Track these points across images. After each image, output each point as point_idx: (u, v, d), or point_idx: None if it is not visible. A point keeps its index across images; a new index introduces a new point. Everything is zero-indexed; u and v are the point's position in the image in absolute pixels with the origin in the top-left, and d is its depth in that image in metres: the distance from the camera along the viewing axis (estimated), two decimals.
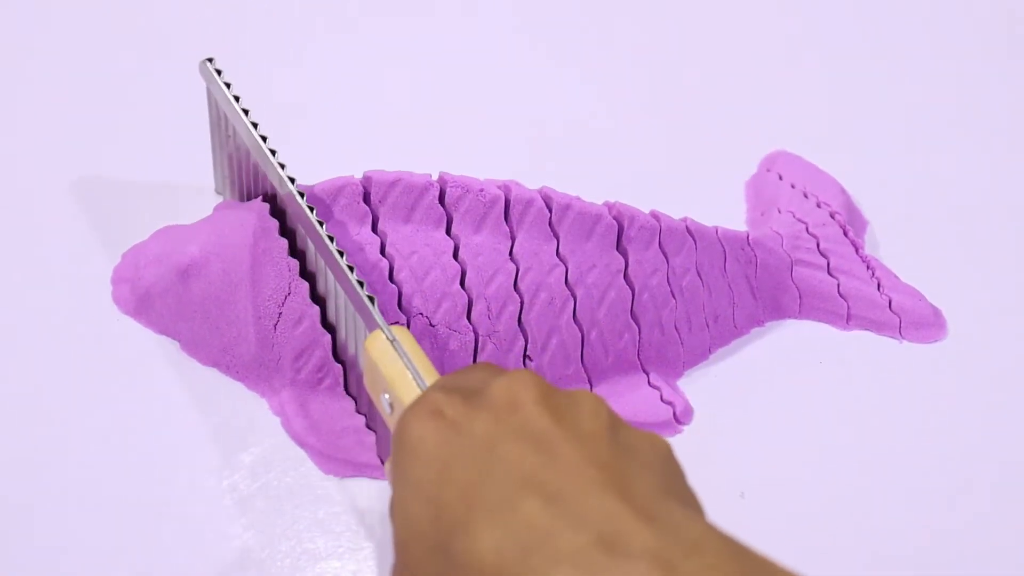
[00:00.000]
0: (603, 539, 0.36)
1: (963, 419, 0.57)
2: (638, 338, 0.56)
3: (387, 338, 0.48)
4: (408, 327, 0.53)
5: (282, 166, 0.54)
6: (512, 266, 0.54)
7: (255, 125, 0.55)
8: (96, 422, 0.53)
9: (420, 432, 0.41)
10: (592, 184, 0.59)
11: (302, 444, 0.53)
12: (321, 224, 0.52)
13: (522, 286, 0.54)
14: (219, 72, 0.56)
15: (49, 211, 0.61)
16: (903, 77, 0.73)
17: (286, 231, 0.55)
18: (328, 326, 0.54)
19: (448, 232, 0.55)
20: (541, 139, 0.68)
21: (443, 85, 0.70)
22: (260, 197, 0.57)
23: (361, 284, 0.50)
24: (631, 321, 0.56)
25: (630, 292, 0.56)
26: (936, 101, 0.72)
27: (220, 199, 0.61)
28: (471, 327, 0.54)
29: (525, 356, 0.55)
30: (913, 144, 0.69)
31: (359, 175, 0.55)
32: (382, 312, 0.53)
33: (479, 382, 0.42)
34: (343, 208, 0.54)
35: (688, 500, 0.40)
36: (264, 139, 0.54)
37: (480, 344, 0.54)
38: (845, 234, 0.62)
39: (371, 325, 0.49)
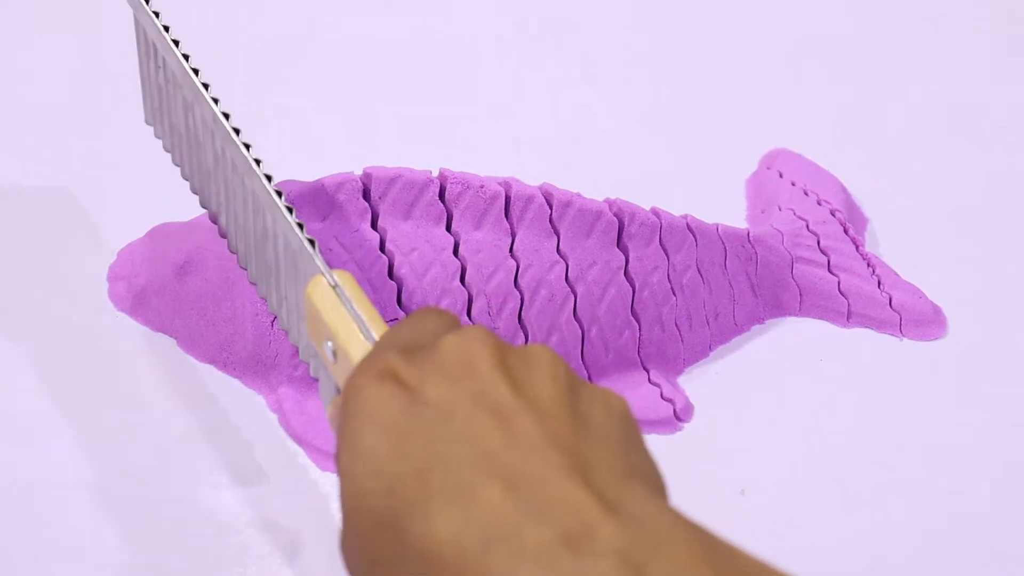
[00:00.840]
0: (568, 535, 0.35)
1: (963, 417, 0.56)
2: (638, 335, 0.56)
3: (329, 283, 0.45)
4: None
5: (216, 101, 0.51)
6: (512, 263, 0.54)
7: (187, 57, 0.52)
8: (93, 419, 0.53)
9: (373, 397, 0.38)
10: (593, 181, 0.59)
11: (299, 441, 0.53)
12: (258, 162, 0.49)
13: (522, 283, 0.54)
14: (147, 0, 0.53)
15: (44, 208, 0.61)
16: (903, 75, 0.73)
17: None
18: None
19: (448, 228, 0.54)
20: (542, 136, 0.68)
21: (444, 81, 0.70)
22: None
23: (301, 227, 0.47)
24: (631, 318, 0.56)
25: (630, 289, 0.56)
26: (936, 99, 0.72)
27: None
28: (471, 324, 0.54)
29: None
30: (913, 142, 0.69)
31: (359, 171, 0.55)
32: (383, 310, 0.53)
33: (430, 334, 0.41)
34: (342, 204, 0.54)
35: (648, 471, 0.39)
36: (196, 72, 0.52)
37: None
38: (845, 231, 0.62)
39: (312, 270, 0.46)
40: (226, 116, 0.50)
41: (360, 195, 0.54)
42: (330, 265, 0.52)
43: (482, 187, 0.54)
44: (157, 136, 0.57)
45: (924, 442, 0.55)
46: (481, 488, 0.36)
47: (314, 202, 0.54)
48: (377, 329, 0.44)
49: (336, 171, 0.54)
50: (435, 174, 0.55)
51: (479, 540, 0.35)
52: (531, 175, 0.57)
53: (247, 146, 0.49)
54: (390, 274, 0.53)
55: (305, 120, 0.67)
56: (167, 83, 0.54)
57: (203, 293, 0.55)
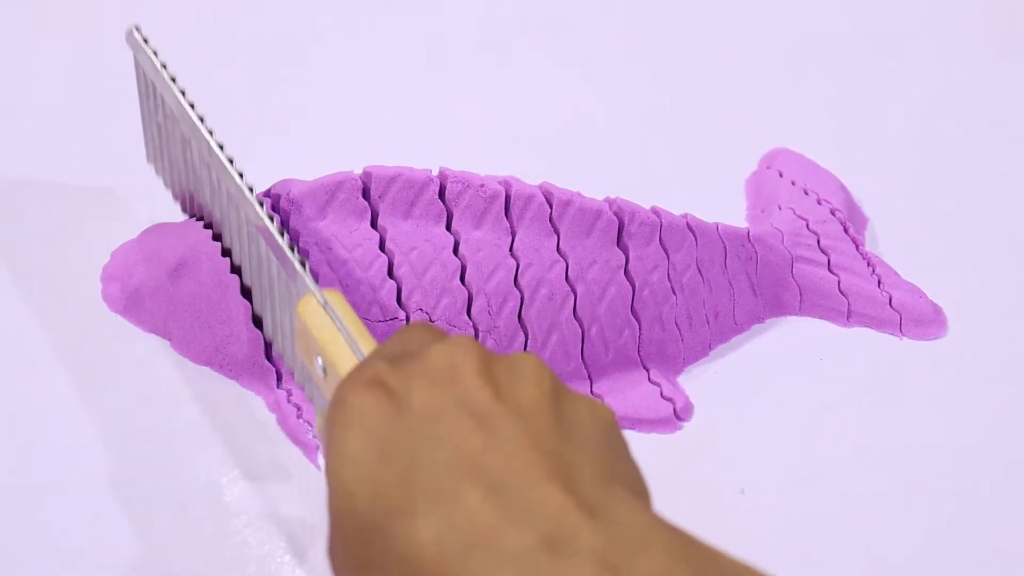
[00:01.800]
0: (548, 539, 0.36)
1: (963, 416, 0.56)
2: (638, 334, 0.56)
3: (319, 302, 0.46)
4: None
5: (211, 132, 0.52)
6: (512, 262, 0.54)
7: (183, 92, 0.53)
8: (88, 421, 0.53)
9: (358, 404, 0.39)
10: (593, 180, 0.59)
11: (298, 441, 0.53)
12: (251, 190, 0.50)
13: (522, 282, 0.54)
14: (146, 40, 0.55)
15: (37, 208, 0.61)
16: (903, 74, 0.73)
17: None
18: None
19: (448, 228, 0.54)
20: (542, 135, 0.68)
21: (445, 81, 0.70)
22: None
23: (292, 248, 0.48)
24: (631, 317, 0.56)
25: (630, 288, 0.56)
26: (936, 98, 0.72)
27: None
28: (471, 323, 0.54)
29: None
30: (913, 141, 0.69)
31: (359, 170, 0.55)
32: (383, 309, 0.53)
33: (417, 346, 0.41)
34: (342, 203, 0.54)
35: (633, 479, 0.39)
36: (192, 106, 0.53)
37: (480, 340, 0.54)
38: (845, 231, 0.62)
39: (302, 289, 0.48)
40: (221, 147, 0.52)
41: (360, 194, 0.54)
42: (326, 273, 0.53)
43: (482, 186, 0.54)
44: (157, 173, 0.59)
45: (924, 442, 0.55)
46: (463, 492, 0.37)
47: (314, 201, 0.54)
48: (365, 345, 0.45)
49: (336, 170, 0.54)
50: (435, 173, 0.55)
51: (460, 544, 0.36)
52: (531, 175, 0.56)
53: (241, 174, 0.51)
54: (390, 273, 0.53)
55: (305, 119, 0.67)
56: (166, 119, 0.55)
57: (197, 296, 0.55)
